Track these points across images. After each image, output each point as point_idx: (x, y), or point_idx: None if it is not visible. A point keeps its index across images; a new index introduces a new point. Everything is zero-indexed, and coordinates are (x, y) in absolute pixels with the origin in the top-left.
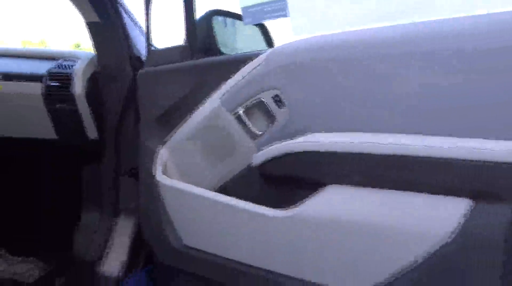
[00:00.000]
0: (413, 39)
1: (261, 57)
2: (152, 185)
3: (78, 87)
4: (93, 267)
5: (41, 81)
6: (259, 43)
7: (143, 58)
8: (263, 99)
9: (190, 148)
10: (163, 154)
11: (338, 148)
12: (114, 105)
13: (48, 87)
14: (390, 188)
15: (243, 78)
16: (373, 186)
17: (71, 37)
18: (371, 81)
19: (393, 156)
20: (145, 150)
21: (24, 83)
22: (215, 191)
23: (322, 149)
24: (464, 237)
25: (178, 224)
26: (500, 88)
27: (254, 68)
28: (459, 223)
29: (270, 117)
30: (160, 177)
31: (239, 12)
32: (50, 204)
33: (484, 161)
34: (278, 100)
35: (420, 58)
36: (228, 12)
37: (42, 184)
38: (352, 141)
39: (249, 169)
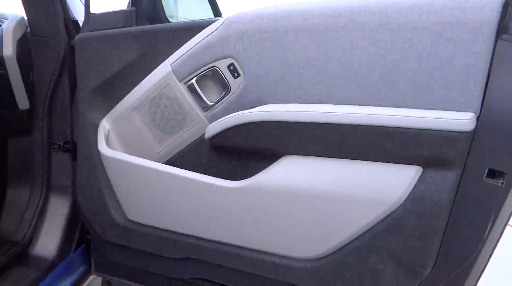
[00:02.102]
0: (370, 10)
1: (217, 24)
2: (92, 158)
3: (8, 49)
4: (23, 249)
5: None
6: (205, 12)
7: (81, 23)
8: (217, 68)
9: (135, 119)
10: (104, 125)
11: (294, 118)
12: (46, 71)
13: None
14: (343, 157)
15: (196, 44)
16: (327, 156)
17: None
18: (325, 51)
19: (347, 126)
20: (84, 121)
21: None
22: None
23: (277, 119)
24: (413, 202)
25: (122, 198)
26: (446, 61)
27: (209, 34)
28: (409, 189)
29: (224, 87)
30: (103, 149)
31: None
32: None
33: (431, 130)
34: (233, 69)
35: (375, 30)
36: None
37: None
38: (307, 111)
39: (200, 142)
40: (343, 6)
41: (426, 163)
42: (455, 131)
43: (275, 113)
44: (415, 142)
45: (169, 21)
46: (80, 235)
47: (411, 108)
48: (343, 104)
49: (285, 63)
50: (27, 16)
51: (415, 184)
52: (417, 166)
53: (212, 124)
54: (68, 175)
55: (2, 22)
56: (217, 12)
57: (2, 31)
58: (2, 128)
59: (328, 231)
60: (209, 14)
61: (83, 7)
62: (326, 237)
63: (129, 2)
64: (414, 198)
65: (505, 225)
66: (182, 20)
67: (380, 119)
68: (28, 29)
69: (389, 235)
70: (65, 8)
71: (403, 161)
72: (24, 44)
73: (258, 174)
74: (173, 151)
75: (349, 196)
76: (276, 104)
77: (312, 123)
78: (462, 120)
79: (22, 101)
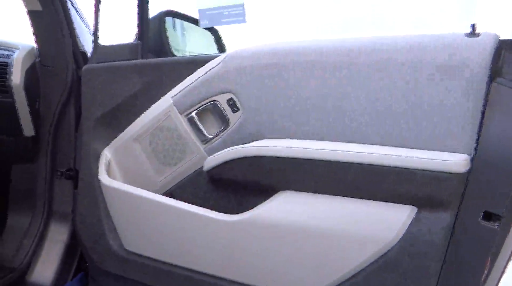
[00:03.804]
0: (367, 50)
1: (218, 59)
2: (93, 186)
3: (16, 78)
4: (21, 275)
5: None
6: (211, 48)
7: (89, 54)
8: (217, 102)
9: (136, 150)
10: (106, 154)
11: (290, 154)
12: (53, 100)
13: None
14: (339, 195)
15: (198, 79)
16: (323, 192)
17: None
18: (322, 88)
19: (343, 163)
20: (87, 150)
21: None
22: None
23: (274, 155)
24: (408, 242)
25: (119, 227)
26: (443, 101)
27: (210, 69)
28: (403, 228)
29: (224, 121)
30: (103, 178)
31: (193, 15)
32: None
33: (427, 170)
34: (232, 104)
35: (372, 69)
36: (182, 14)
37: None
38: (304, 147)
39: (198, 174)
40: (341, 45)
41: (420, 203)
42: (448, 172)
43: (271, 149)
44: (409, 182)
45: (174, 55)
46: (79, 263)
47: (406, 147)
48: (340, 141)
49: (282, 99)
50: (37, 46)
51: (410, 224)
52: (412, 206)
53: (210, 156)
54: (69, 202)
55: (13, 51)
56: (221, 48)
57: (12, 60)
58: (7, 154)
59: (323, 269)
60: (214, 49)
61: (92, 38)
62: (321, 274)
63: (135, 35)
64: (409, 238)
65: (505, 267)
66: (188, 54)
67: (374, 157)
68: (38, 59)
69: (384, 274)
70: (74, 39)
71: (398, 200)
72: (33, 72)
73: (254, 208)
74: (172, 182)
75: (344, 234)
76: (273, 140)
77: (307, 159)
78: (456, 161)
79: (27, 128)
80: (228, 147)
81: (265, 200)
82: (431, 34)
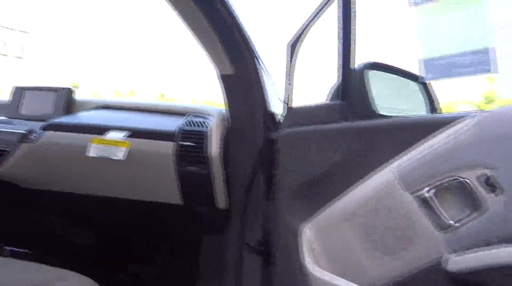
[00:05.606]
0: None
1: (464, 124)
2: (292, 268)
3: (215, 148)
4: None
5: (172, 140)
6: (419, 103)
7: (276, 116)
8: (463, 179)
9: (346, 231)
10: (308, 234)
11: None
12: (244, 168)
13: (181, 147)
14: None
15: (433, 147)
16: None
17: (156, 87)
18: None
19: None
20: (283, 225)
21: (155, 141)
22: None
23: None
24: None
25: None
26: None
27: (453, 136)
28: None
29: (473, 203)
30: (309, 266)
31: (396, 64)
32: (165, 275)
33: None
34: (487, 182)
35: None
36: (386, 65)
37: (158, 252)
38: None
39: (432, 271)
40: None
41: None
42: None
43: None
44: None
45: (380, 114)
46: None
47: None
48: None
49: None
50: (228, 109)
51: None
52: None
53: (461, 254)
54: (257, 278)
55: (206, 118)
56: (431, 102)
57: (209, 129)
58: (199, 224)
59: None
60: (422, 104)
61: (279, 101)
62: None
63: (333, 94)
64: None
65: None
66: (391, 110)
67: None
68: (229, 123)
69: None
70: (264, 101)
71: None
72: (226, 140)
73: None
74: (393, 276)
75: None
76: None
77: None
78: None
79: (221, 200)
80: (481, 238)
81: None
82: None
